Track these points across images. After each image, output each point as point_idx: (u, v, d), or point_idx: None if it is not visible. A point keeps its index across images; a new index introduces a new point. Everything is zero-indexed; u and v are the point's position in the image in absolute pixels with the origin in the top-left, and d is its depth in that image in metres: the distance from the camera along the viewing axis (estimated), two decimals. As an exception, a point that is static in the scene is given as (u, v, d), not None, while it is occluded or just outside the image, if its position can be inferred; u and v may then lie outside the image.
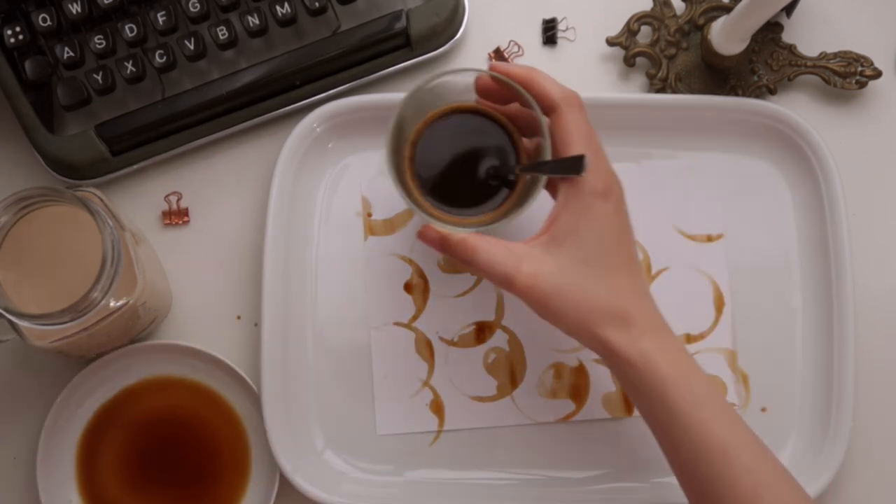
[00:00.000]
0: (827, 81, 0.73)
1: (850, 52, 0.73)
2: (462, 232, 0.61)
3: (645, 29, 0.74)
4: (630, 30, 0.74)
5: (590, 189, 0.59)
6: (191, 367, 0.71)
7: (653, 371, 0.59)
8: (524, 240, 0.61)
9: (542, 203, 0.62)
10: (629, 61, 0.74)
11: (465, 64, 0.75)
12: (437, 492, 0.70)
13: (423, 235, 0.63)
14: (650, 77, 0.74)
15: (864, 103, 0.74)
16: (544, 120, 0.61)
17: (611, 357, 0.60)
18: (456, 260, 0.61)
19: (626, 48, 0.74)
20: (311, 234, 0.72)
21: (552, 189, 0.63)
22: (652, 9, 0.74)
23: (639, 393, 0.60)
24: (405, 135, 0.64)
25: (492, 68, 0.62)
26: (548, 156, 0.61)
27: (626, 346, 0.59)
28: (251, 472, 0.70)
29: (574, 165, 0.58)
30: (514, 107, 0.64)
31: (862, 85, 0.73)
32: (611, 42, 0.74)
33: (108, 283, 0.59)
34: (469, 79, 0.63)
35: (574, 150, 0.60)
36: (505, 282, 0.59)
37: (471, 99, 0.65)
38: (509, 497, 0.70)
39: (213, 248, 0.73)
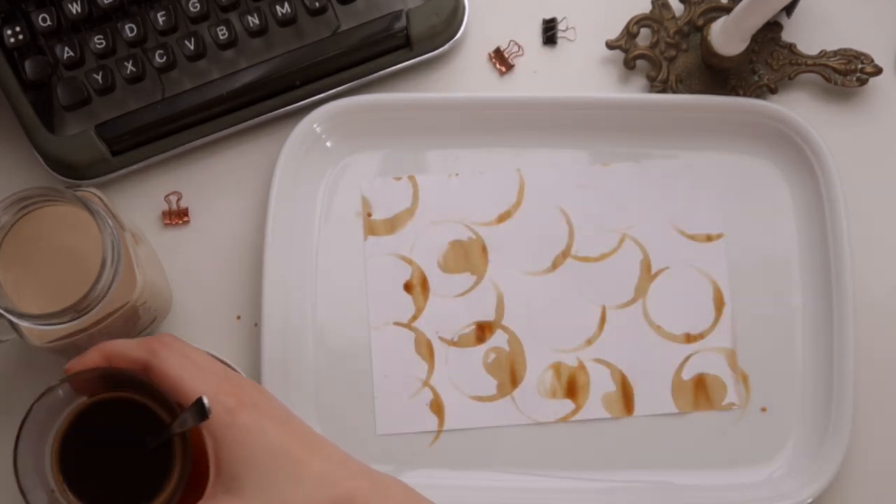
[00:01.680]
0: (827, 80, 0.73)
1: (850, 50, 0.73)
2: None
3: (644, 31, 0.74)
4: (629, 32, 0.74)
5: (222, 414, 0.54)
6: (191, 367, 0.70)
7: None
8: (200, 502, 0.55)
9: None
10: (629, 64, 0.74)
11: (465, 64, 0.75)
12: (437, 492, 0.70)
13: None
14: (650, 79, 0.74)
15: (865, 101, 0.74)
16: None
17: None
18: None
19: (625, 51, 0.74)
20: (311, 234, 0.72)
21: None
22: (651, 11, 0.74)
23: None
24: (45, 476, 0.57)
25: (67, 371, 0.57)
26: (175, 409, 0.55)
27: None
28: (251, 472, 0.70)
29: (198, 413, 0.53)
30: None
31: (862, 82, 0.73)
32: (610, 45, 0.74)
33: (108, 283, 0.59)
34: (65, 392, 0.57)
35: (186, 389, 0.54)
36: None
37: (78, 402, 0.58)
38: (509, 497, 0.70)
39: (213, 248, 0.73)
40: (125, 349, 0.57)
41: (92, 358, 0.57)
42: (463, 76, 0.75)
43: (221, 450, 0.54)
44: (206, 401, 0.53)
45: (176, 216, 0.73)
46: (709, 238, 0.73)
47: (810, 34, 0.74)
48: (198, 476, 0.57)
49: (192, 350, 0.57)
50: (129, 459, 0.57)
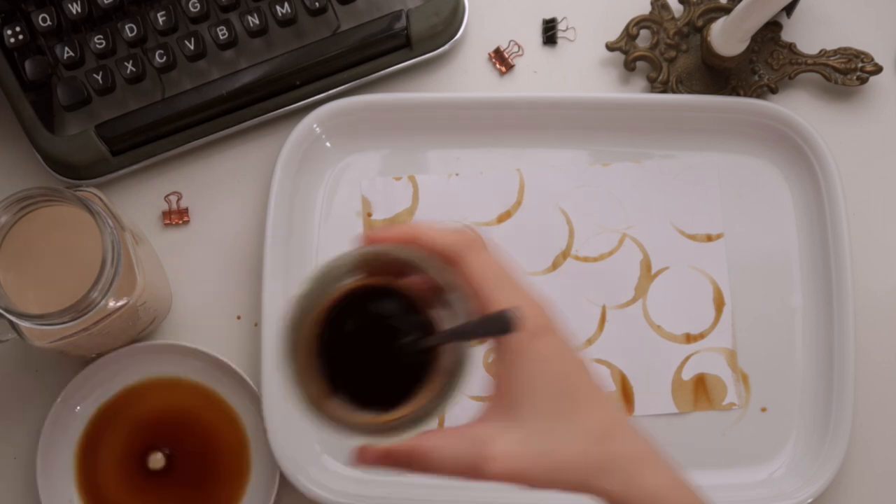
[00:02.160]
0: (828, 79, 0.73)
1: (850, 49, 0.73)
2: (402, 438, 0.51)
3: (644, 32, 0.74)
4: (629, 34, 0.74)
5: (522, 335, 0.50)
6: (191, 367, 0.71)
7: None
8: (474, 419, 0.52)
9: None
10: (629, 66, 0.74)
11: (465, 64, 0.75)
12: (437, 492, 0.70)
13: (362, 460, 0.52)
14: (651, 80, 0.74)
15: (866, 100, 0.74)
16: (449, 281, 0.51)
17: None
18: (408, 474, 0.52)
19: (625, 53, 0.74)
20: (311, 234, 0.72)
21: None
22: (650, 12, 0.74)
23: None
24: (300, 344, 0.52)
25: (368, 240, 0.53)
26: (461, 314, 0.51)
27: (627, 493, 0.51)
28: (251, 472, 0.70)
29: (501, 324, 0.48)
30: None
31: (863, 81, 0.73)
32: (610, 47, 0.74)
33: (108, 283, 0.59)
34: (349, 260, 0.52)
35: (491, 297, 0.51)
36: (475, 473, 0.50)
37: (355, 279, 0.54)
38: (509, 497, 0.70)
39: (213, 248, 0.73)
40: (438, 236, 0.52)
41: (400, 232, 0.52)
42: (463, 76, 0.75)
43: (511, 371, 0.51)
44: (515, 315, 0.48)
45: (176, 216, 0.73)
46: (709, 238, 0.73)
47: (810, 34, 0.74)
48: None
49: (502, 257, 0.53)
50: (384, 354, 0.53)
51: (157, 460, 0.70)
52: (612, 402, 0.55)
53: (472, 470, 0.50)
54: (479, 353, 0.71)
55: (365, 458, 0.52)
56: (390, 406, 0.52)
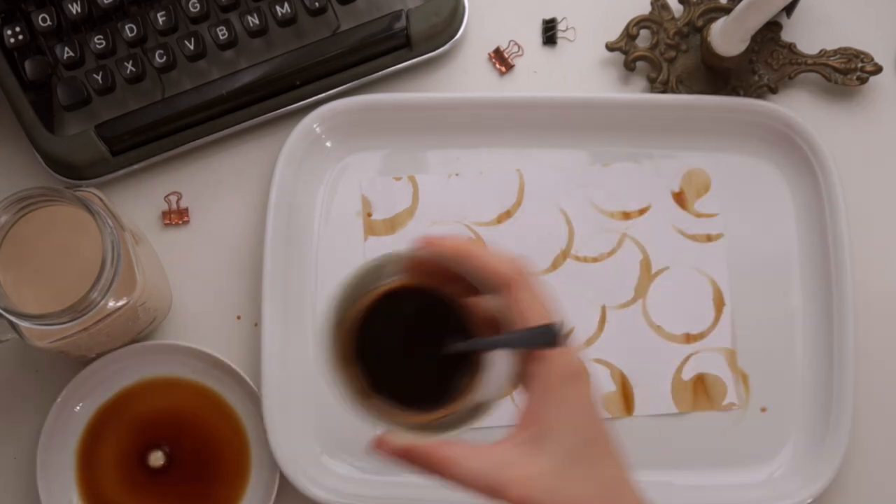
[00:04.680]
0: (828, 79, 0.73)
1: (850, 49, 0.73)
2: (429, 439, 0.52)
3: (644, 33, 0.74)
4: (629, 34, 0.74)
5: (561, 374, 0.52)
6: (191, 367, 0.71)
7: None
8: (497, 441, 0.53)
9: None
10: (629, 66, 0.74)
11: (465, 64, 0.75)
12: (437, 492, 0.70)
13: (378, 449, 0.53)
14: (651, 80, 0.74)
15: (866, 100, 0.74)
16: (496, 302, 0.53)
17: None
18: (424, 475, 0.52)
19: (625, 53, 0.74)
20: (311, 234, 0.72)
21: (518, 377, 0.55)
22: (650, 12, 0.74)
23: None
24: (339, 338, 0.54)
25: (421, 247, 0.53)
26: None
27: None
28: (251, 472, 0.70)
29: (545, 337, 0.51)
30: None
31: (863, 81, 0.73)
32: (610, 47, 0.74)
33: (108, 283, 0.59)
34: (396, 263, 0.54)
35: (533, 323, 0.52)
36: (494, 493, 0.51)
37: (397, 278, 0.55)
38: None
39: (213, 248, 0.73)
40: (491, 262, 0.53)
41: (455, 246, 0.53)
42: (463, 76, 0.75)
43: (543, 407, 0.53)
44: (558, 330, 0.51)
45: (176, 216, 0.73)
46: (709, 238, 0.73)
47: (810, 34, 0.74)
48: None
49: (545, 294, 0.54)
50: (425, 354, 0.54)
51: (157, 458, 0.70)
52: (621, 456, 0.56)
53: (490, 488, 0.51)
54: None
55: (382, 448, 0.53)
56: (425, 405, 0.53)
